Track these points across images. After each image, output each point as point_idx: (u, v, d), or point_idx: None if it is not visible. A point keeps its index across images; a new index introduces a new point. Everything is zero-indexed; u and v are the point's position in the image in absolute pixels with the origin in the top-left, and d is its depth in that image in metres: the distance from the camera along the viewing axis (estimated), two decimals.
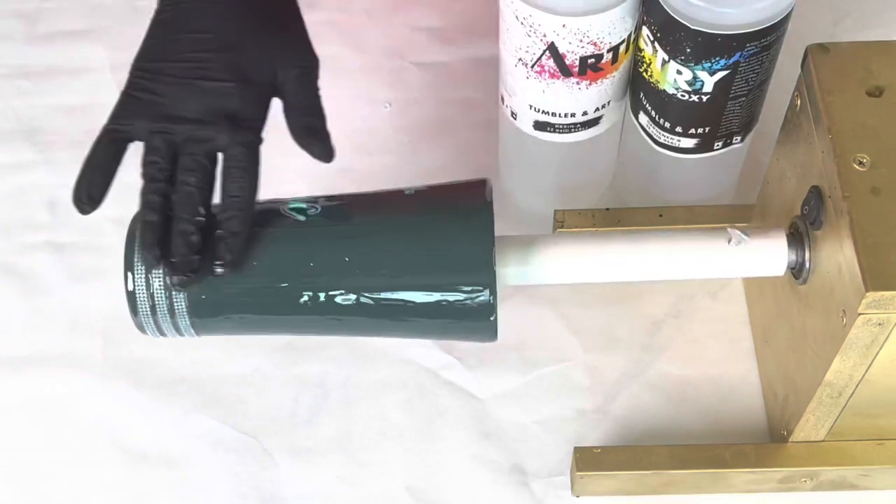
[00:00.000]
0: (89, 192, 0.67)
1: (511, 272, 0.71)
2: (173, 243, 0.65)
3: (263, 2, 0.70)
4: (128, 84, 0.69)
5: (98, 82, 1.00)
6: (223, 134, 0.67)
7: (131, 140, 0.68)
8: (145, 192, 0.66)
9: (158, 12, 0.71)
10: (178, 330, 0.69)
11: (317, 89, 0.71)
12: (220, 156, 0.68)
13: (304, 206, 0.70)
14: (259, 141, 0.68)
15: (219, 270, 0.65)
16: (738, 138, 0.82)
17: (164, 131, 0.67)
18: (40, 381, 0.86)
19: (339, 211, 0.70)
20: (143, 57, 0.69)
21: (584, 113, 0.81)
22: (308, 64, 0.71)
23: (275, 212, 0.70)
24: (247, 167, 0.67)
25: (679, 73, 0.76)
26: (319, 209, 0.70)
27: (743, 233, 0.71)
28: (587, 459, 0.78)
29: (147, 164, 0.67)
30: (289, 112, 0.70)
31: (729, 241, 0.70)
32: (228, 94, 0.68)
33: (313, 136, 0.70)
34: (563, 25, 0.74)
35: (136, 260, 0.68)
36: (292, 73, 0.70)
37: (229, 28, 0.68)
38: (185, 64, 0.68)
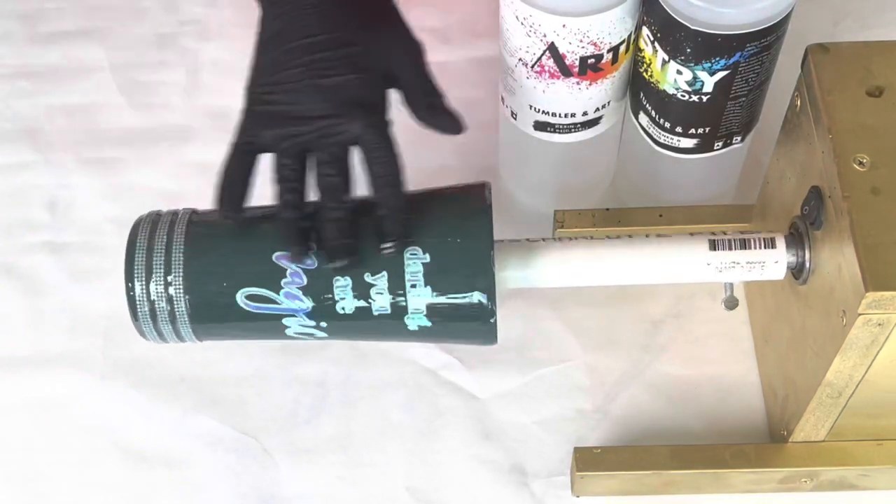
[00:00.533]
0: (231, 202, 0.68)
1: (510, 276, 0.71)
2: (326, 231, 0.67)
3: (363, 1, 0.72)
4: (248, 102, 0.70)
5: (98, 82, 1.00)
6: (354, 122, 0.68)
7: (260, 151, 0.69)
8: (280, 193, 0.68)
9: (262, 31, 0.72)
10: (179, 335, 0.69)
11: (429, 73, 0.73)
12: (353, 151, 0.69)
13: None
14: (389, 123, 0.70)
15: (389, 250, 0.67)
16: (738, 138, 0.82)
17: (291, 135, 0.68)
18: (40, 381, 0.86)
19: (342, 316, 0.70)
20: (258, 74, 0.71)
21: (584, 113, 0.81)
22: (416, 51, 0.73)
23: (274, 217, 0.70)
24: (385, 147, 0.68)
25: (679, 73, 0.76)
26: (327, 325, 0.70)
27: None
28: (587, 459, 0.78)
29: (279, 167, 0.68)
30: (409, 97, 0.71)
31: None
32: (350, 85, 0.69)
33: (438, 112, 0.71)
34: (563, 25, 0.74)
35: (136, 267, 0.68)
36: (404, 62, 0.72)
37: (336, 28, 0.70)
38: (301, 69, 0.69)
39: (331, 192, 0.67)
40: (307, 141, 0.68)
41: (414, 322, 0.68)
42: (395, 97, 0.72)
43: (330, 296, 0.68)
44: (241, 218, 0.68)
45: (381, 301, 0.68)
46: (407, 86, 0.71)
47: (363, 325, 0.69)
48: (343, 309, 0.68)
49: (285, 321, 0.69)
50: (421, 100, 0.71)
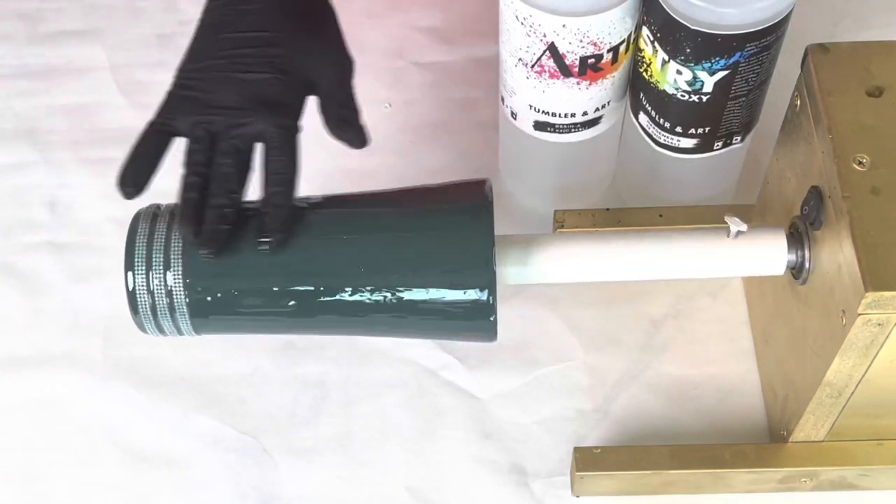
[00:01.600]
0: (134, 178, 0.69)
1: (511, 271, 0.71)
2: (207, 216, 0.67)
3: (302, 6, 0.73)
4: (173, 84, 0.72)
5: (98, 82, 1.00)
6: (260, 119, 0.69)
7: (175, 134, 0.70)
8: (186, 175, 0.69)
9: (202, 18, 0.74)
10: (178, 329, 0.69)
11: (351, 87, 0.74)
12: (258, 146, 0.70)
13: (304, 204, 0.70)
14: (297, 128, 0.71)
15: (264, 247, 0.67)
16: (738, 138, 0.82)
17: (202, 122, 0.70)
18: (40, 381, 0.86)
19: (339, 210, 0.70)
20: (188, 59, 0.73)
21: (584, 113, 0.81)
22: (342, 63, 0.74)
23: None
24: (285, 148, 0.69)
25: (679, 73, 0.76)
26: (321, 200, 0.70)
27: (741, 220, 0.70)
28: (587, 459, 0.78)
29: (189, 152, 0.69)
30: (324, 106, 0.72)
31: (728, 234, 0.70)
32: (266, 84, 0.70)
33: (347, 125, 0.72)
34: (563, 25, 0.74)
35: (136, 259, 0.68)
36: (327, 71, 0.73)
37: (268, 28, 0.71)
38: (224, 61, 0.71)
39: (221, 180, 0.68)
40: (216, 131, 0.70)
41: None
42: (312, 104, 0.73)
43: None
44: (136, 194, 0.69)
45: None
46: (324, 94, 0.72)
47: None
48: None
49: None
50: (334, 110, 0.72)
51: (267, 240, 0.67)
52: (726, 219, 0.70)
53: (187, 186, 0.68)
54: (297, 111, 0.71)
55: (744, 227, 0.70)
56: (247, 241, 0.69)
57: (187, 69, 0.72)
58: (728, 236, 0.70)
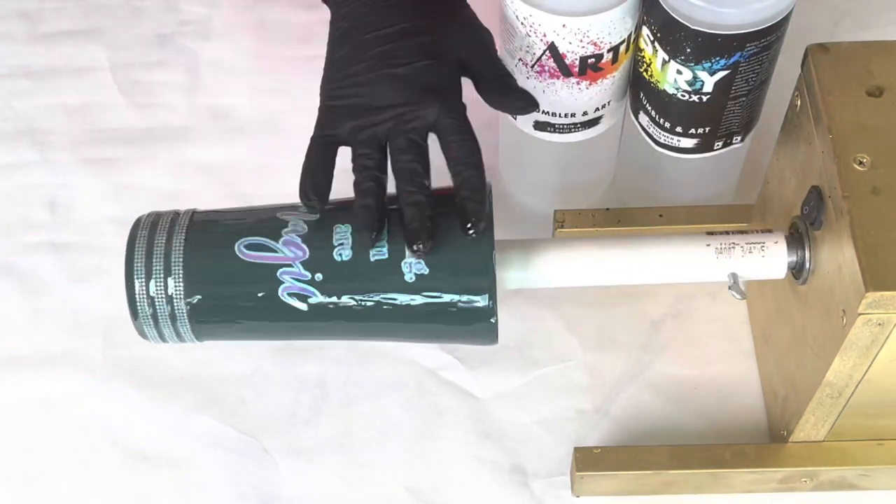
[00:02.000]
0: (315, 188, 0.69)
1: (511, 276, 0.71)
2: (406, 215, 0.67)
3: None
4: (322, 99, 0.71)
5: (98, 82, 1.00)
6: (429, 108, 0.69)
7: (338, 144, 0.70)
8: (359, 181, 0.68)
9: (332, 31, 0.73)
10: (178, 335, 0.69)
11: (499, 59, 0.74)
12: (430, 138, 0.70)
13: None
14: (465, 108, 0.71)
15: (473, 233, 0.66)
16: (738, 138, 0.82)
17: (367, 126, 0.69)
18: (40, 381, 0.86)
19: (338, 214, 0.70)
20: (332, 71, 0.72)
21: (584, 113, 0.81)
22: (483, 37, 0.74)
23: (273, 216, 0.70)
24: (465, 130, 0.69)
25: (679, 73, 0.76)
26: (322, 277, 0.69)
27: (735, 291, 0.71)
28: (587, 459, 0.78)
29: (357, 158, 0.69)
30: (481, 82, 0.72)
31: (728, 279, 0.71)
32: (425, 72, 0.70)
33: (511, 92, 0.72)
34: (564, 25, 0.74)
35: (136, 267, 0.68)
36: (473, 48, 0.73)
37: (403, 20, 0.71)
38: (371, 61, 0.70)
39: (409, 176, 0.67)
40: (383, 130, 0.69)
41: (411, 271, 0.68)
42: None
43: (328, 242, 0.68)
44: (322, 206, 0.69)
45: (379, 247, 0.68)
46: (477, 71, 0.72)
47: (359, 273, 0.68)
48: (340, 256, 0.68)
49: (280, 273, 0.68)
50: (491, 83, 0.72)
51: (474, 226, 0.66)
52: (729, 291, 0.71)
53: (362, 193, 0.67)
54: (457, 92, 0.71)
55: (739, 298, 0.71)
56: (246, 247, 0.69)
57: (335, 80, 0.71)
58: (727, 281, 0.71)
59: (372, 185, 0.68)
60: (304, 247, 0.68)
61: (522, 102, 0.73)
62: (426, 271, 0.68)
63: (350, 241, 0.68)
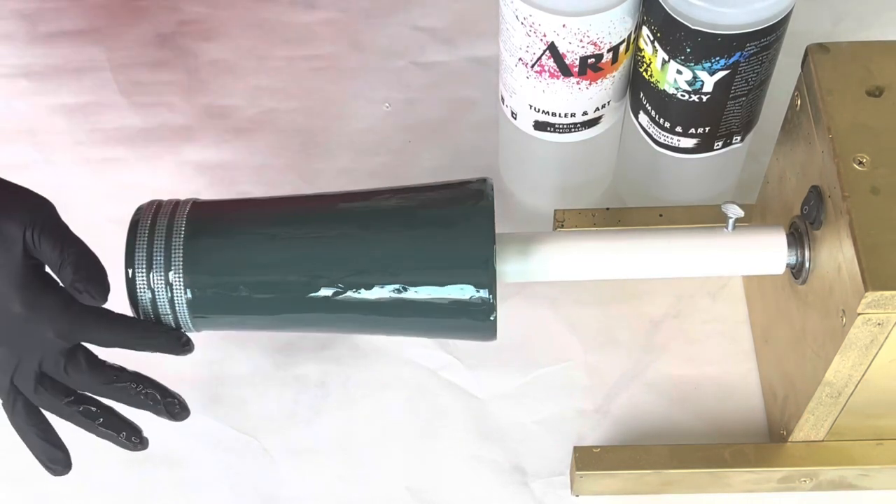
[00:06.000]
0: (52, 459, 0.73)
1: (510, 269, 0.71)
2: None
3: None
4: None
5: (98, 82, 1.00)
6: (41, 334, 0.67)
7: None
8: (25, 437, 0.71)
9: None
10: (178, 325, 0.70)
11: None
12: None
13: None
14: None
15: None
16: (738, 138, 0.82)
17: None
18: None
19: (340, 207, 0.70)
20: None
21: (584, 113, 0.81)
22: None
23: (275, 207, 0.70)
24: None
25: (679, 73, 0.76)
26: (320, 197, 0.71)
27: (737, 206, 0.70)
28: (587, 459, 0.78)
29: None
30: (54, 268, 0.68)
31: (727, 227, 0.70)
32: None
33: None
34: (563, 25, 0.74)
35: (136, 254, 0.68)
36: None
37: None
38: None
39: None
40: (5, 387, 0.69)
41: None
42: None
43: None
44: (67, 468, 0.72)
45: None
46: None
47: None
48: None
49: None
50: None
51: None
52: (722, 207, 0.70)
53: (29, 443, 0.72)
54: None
55: (741, 213, 0.70)
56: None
57: None
58: (727, 228, 0.70)
59: (75, 413, 0.71)
60: None
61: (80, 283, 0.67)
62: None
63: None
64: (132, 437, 0.71)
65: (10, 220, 0.65)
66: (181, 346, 0.70)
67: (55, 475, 0.72)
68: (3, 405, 0.71)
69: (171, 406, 0.71)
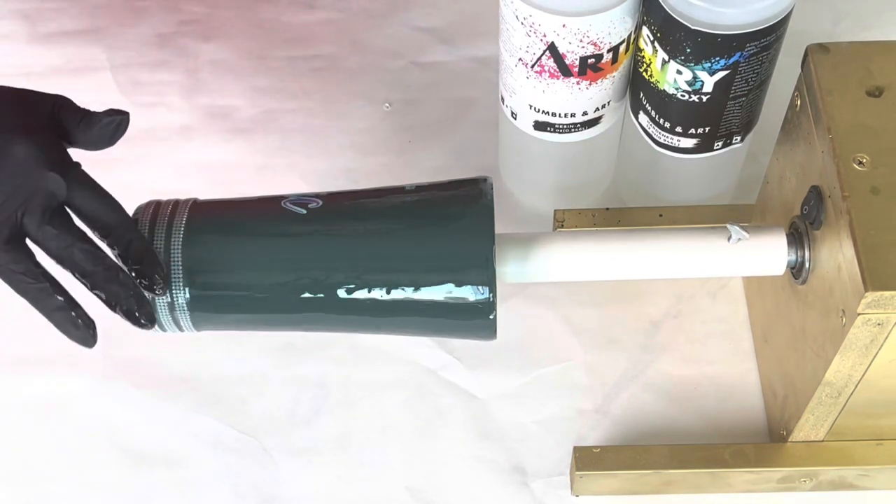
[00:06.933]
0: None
1: (510, 270, 0.71)
2: (108, 297, 0.66)
3: None
4: None
5: (98, 82, 1.00)
6: (48, 180, 0.64)
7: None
8: (27, 296, 0.66)
9: None
10: (177, 325, 0.69)
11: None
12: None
13: (305, 200, 0.70)
14: (80, 165, 0.67)
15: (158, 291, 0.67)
16: (738, 138, 0.82)
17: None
18: (40, 381, 0.86)
19: (340, 207, 0.70)
20: None
21: (584, 113, 0.81)
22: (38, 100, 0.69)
23: (275, 207, 0.70)
24: (99, 191, 0.67)
25: (679, 73, 0.76)
26: (321, 203, 0.70)
27: (742, 228, 0.70)
28: (587, 459, 0.78)
29: (5, 273, 0.65)
30: (71, 130, 0.69)
31: (728, 239, 0.70)
32: (20, 149, 0.65)
33: (97, 116, 0.70)
34: (563, 25, 0.74)
35: None
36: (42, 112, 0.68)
37: None
38: None
39: (76, 262, 0.65)
40: (10, 229, 0.64)
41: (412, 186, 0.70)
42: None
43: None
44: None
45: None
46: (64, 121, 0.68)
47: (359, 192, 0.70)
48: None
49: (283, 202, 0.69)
50: (78, 124, 0.69)
51: (158, 287, 0.67)
52: (728, 227, 0.70)
53: (39, 304, 0.66)
54: (69, 158, 0.68)
55: (746, 236, 0.70)
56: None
57: None
58: (728, 241, 0.70)
59: (39, 289, 0.65)
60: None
61: (112, 118, 0.70)
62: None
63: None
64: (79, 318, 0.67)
65: (36, 93, 0.68)
66: (138, 315, 0.66)
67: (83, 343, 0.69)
68: None
69: (141, 298, 0.66)
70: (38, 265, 0.66)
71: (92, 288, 0.66)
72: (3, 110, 0.66)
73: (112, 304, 0.67)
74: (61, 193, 0.65)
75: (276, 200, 0.71)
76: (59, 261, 0.66)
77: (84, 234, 0.66)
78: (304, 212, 0.69)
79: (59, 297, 0.66)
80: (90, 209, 0.66)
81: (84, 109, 0.69)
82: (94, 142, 0.69)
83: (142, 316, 0.67)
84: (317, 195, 0.71)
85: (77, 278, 0.66)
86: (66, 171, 0.66)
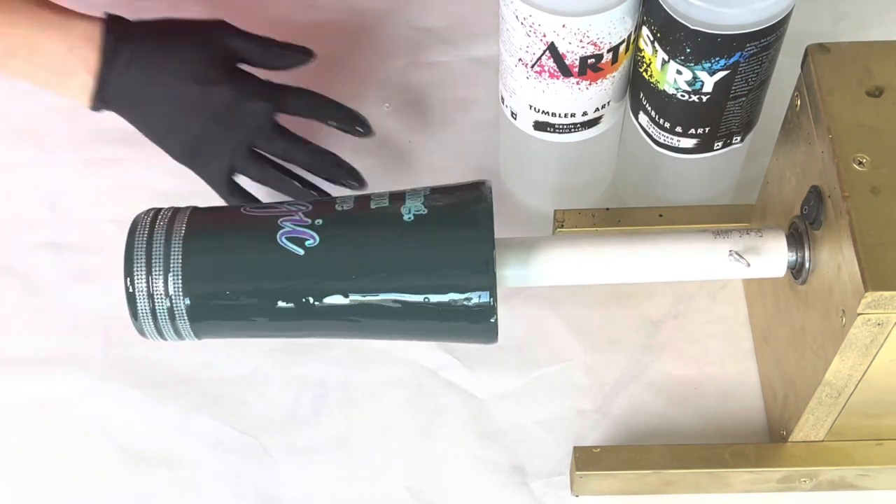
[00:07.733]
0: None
1: (511, 274, 0.71)
2: (319, 163, 0.85)
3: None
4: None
5: None
6: (259, 103, 0.83)
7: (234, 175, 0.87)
8: (270, 184, 0.86)
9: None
10: (178, 334, 0.69)
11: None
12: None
13: (301, 234, 0.69)
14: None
15: (363, 131, 0.86)
16: (738, 138, 0.82)
17: (238, 146, 0.84)
18: (40, 381, 0.86)
19: (339, 213, 0.70)
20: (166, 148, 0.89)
21: (584, 113, 0.81)
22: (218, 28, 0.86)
23: (272, 239, 0.69)
24: (302, 92, 0.85)
25: (679, 73, 0.76)
26: (317, 241, 0.69)
27: (745, 258, 0.71)
28: (587, 459, 0.78)
29: (258, 174, 0.86)
30: (255, 57, 0.85)
31: (729, 254, 0.71)
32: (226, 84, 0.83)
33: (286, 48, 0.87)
34: (563, 25, 0.74)
35: (135, 264, 0.68)
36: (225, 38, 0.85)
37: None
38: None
39: (299, 154, 0.84)
40: (244, 147, 0.84)
41: (410, 212, 0.68)
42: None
43: (332, 202, 0.71)
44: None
45: (379, 199, 0.70)
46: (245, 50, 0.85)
47: (359, 222, 0.69)
48: (342, 207, 0.70)
49: (281, 221, 0.68)
50: (264, 52, 0.85)
51: (361, 125, 0.86)
52: (730, 253, 0.70)
53: (282, 186, 0.85)
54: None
55: (747, 265, 0.70)
56: (245, 244, 0.69)
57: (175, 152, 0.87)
58: (728, 255, 0.71)
59: (280, 177, 0.84)
60: (306, 204, 0.70)
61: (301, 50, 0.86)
62: (424, 212, 0.69)
63: (352, 199, 0.71)
64: (349, 178, 0.85)
65: (211, 24, 0.85)
66: (356, 182, 0.85)
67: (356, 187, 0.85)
68: (219, 188, 0.86)
69: (353, 172, 0.85)
70: (276, 165, 0.85)
71: (317, 173, 0.85)
72: (193, 56, 0.83)
73: (332, 181, 0.85)
74: (272, 113, 0.83)
75: (272, 221, 0.70)
76: (288, 160, 0.85)
77: (298, 137, 0.84)
78: (302, 252, 0.68)
79: (297, 182, 0.85)
80: (298, 109, 0.85)
81: (254, 40, 0.85)
82: (271, 67, 0.86)
83: (358, 182, 0.85)
84: (312, 210, 0.70)
85: (304, 169, 0.85)
86: (266, 94, 0.83)
